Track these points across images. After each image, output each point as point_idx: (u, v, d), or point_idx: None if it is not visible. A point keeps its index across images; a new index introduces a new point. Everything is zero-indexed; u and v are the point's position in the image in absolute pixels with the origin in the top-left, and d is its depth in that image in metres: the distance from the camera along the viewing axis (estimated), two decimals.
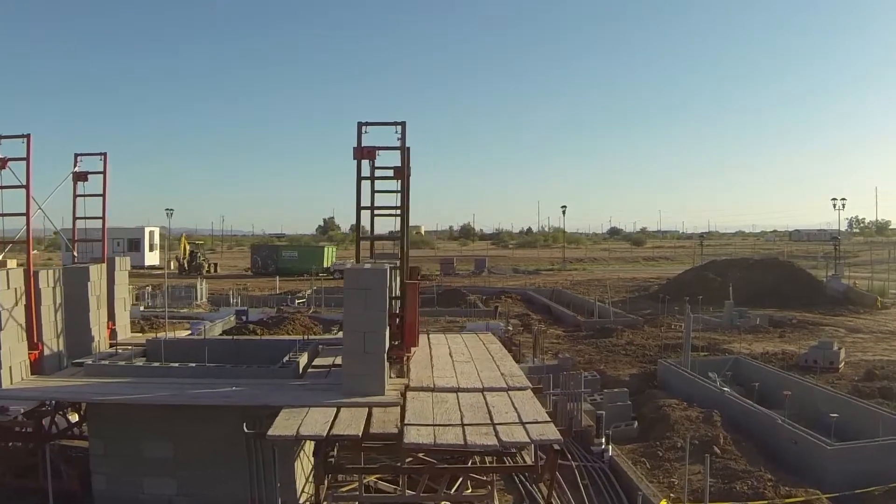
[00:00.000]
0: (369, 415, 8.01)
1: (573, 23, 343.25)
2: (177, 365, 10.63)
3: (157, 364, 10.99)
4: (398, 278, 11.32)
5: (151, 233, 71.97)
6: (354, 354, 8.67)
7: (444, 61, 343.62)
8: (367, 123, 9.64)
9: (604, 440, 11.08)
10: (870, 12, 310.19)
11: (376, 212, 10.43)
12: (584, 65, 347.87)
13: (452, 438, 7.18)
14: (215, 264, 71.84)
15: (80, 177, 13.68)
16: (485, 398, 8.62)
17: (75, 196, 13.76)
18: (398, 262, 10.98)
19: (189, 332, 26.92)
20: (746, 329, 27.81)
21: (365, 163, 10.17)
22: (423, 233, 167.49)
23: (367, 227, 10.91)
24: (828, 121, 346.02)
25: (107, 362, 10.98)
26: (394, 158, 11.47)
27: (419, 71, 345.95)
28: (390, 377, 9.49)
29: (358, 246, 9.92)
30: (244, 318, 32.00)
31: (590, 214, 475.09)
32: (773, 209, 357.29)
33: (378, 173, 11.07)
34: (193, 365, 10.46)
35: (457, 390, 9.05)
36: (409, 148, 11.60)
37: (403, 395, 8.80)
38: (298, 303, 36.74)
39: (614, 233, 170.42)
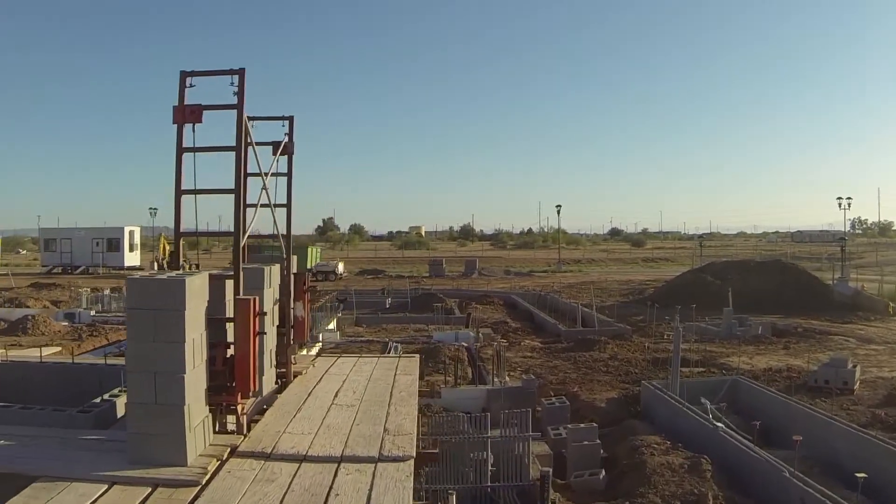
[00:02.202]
0: (147, 499, 5.16)
1: (575, 21, 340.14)
2: None
3: None
4: (278, 288, 8.44)
5: (132, 232, 69.19)
6: (142, 406, 5.80)
7: (445, 60, 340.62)
8: (192, 73, 6.76)
9: None
10: (872, 13, 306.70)
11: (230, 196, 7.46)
12: (587, 64, 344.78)
13: None
14: (197, 265, 68.53)
15: None
16: (335, 476, 5.69)
17: None
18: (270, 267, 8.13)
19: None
20: (747, 339, 24.94)
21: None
22: (423, 233, 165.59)
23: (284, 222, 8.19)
24: (830, 121, 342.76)
25: None
26: (274, 131, 8.69)
27: (420, 69, 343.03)
28: (219, 432, 6.62)
29: (178, 244, 6.99)
30: None
31: (591, 215, 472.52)
32: (774, 210, 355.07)
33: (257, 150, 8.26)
34: None
35: (302, 459, 6.14)
36: (292, 117, 8.81)
37: (220, 465, 5.94)
38: None
39: (615, 233, 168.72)
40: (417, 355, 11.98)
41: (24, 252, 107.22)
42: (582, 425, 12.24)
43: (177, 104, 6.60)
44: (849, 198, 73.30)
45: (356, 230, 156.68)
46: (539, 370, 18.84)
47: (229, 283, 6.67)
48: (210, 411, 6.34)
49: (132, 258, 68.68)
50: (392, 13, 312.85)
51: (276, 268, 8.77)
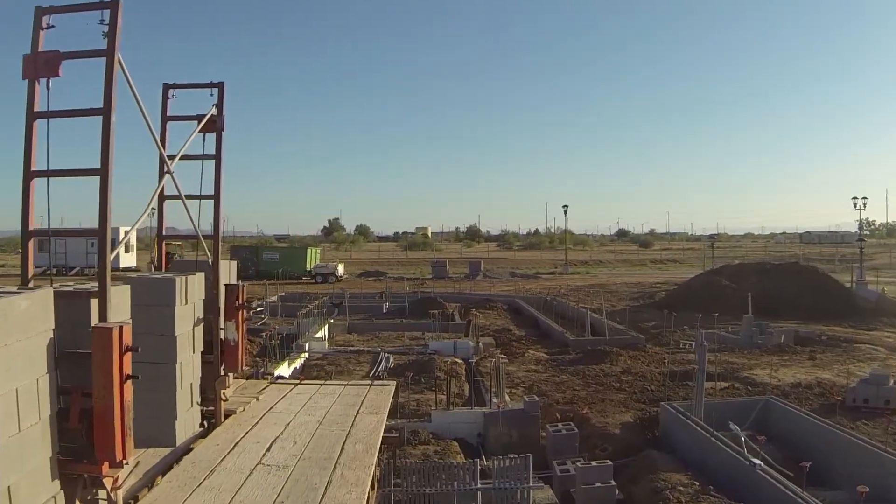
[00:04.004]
0: None
1: (581, 24, 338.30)
2: None
3: None
4: (201, 305, 6.59)
5: (127, 232, 67.26)
6: None
7: (453, 61, 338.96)
8: (49, 10, 4.90)
9: None
10: (879, 14, 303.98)
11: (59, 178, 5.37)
12: (594, 66, 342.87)
13: None
14: None
15: None
16: None
17: None
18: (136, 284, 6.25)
19: None
20: (769, 349, 22.98)
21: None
22: (429, 234, 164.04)
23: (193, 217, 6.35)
24: (837, 123, 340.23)
25: None
26: (199, 102, 6.89)
27: (428, 71, 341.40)
28: None
29: (25, 244, 5.04)
30: None
31: (597, 216, 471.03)
32: (781, 211, 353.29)
33: (179, 125, 6.41)
34: None
35: None
36: (222, 83, 6.96)
37: None
38: (254, 313, 31.80)
39: (622, 234, 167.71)
40: (393, 383, 10.01)
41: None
42: (594, 463, 10.32)
43: (28, 53, 4.72)
44: (864, 198, 70.65)
45: (361, 231, 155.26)
46: (544, 386, 16.94)
47: (95, 304, 4.76)
48: (65, 486, 4.45)
49: (128, 259, 66.85)
50: (399, 17, 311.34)
51: (198, 278, 6.85)
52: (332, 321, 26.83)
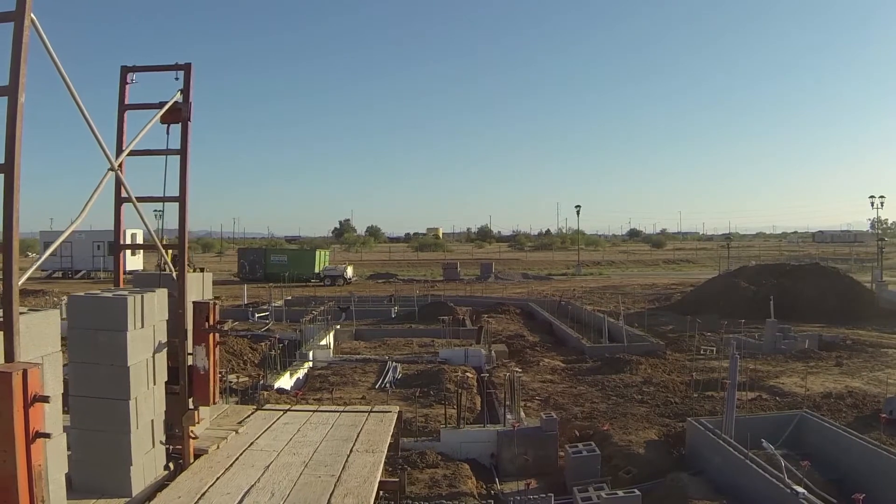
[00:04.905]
0: None
1: (593, 25, 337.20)
2: None
3: None
4: (164, 327, 5.73)
5: (133, 235, 66.72)
6: None
7: (462, 63, 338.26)
8: None
9: None
10: (888, 16, 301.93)
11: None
12: (606, 68, 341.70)
13: None
14: (202, 269, 66.49)
15: None
16: None
17: None
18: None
19: None
20: (794, 354, 21.96)
21: None
22: (440, 235, 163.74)
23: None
24: (847, 124, 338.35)
25: None
26: (162, 87, 6.07)
27: (439, 73, 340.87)
28: None
29: None
30: None
31: (609, 216, 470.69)
32: (792, 210, 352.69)
33: (142, 114, 5.56)
34: None
35: None
36: (189, 65, 6.07)
37: None
38: (259, 317, 31.01)
39: (634, 234, 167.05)
40: (395, 409, 9.02)
41: (33, 255, 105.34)
42: (620, 493, 9.37)
43: None
44: (881, 196, 69.26)
45: (372, 232, 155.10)
46: (561, 399, 15.99)
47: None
48: None
49: (134, 262, 66.25)
50: (410, 18, 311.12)
51: (158, 295, 5.92)
52: (338, 327, 25.94)
